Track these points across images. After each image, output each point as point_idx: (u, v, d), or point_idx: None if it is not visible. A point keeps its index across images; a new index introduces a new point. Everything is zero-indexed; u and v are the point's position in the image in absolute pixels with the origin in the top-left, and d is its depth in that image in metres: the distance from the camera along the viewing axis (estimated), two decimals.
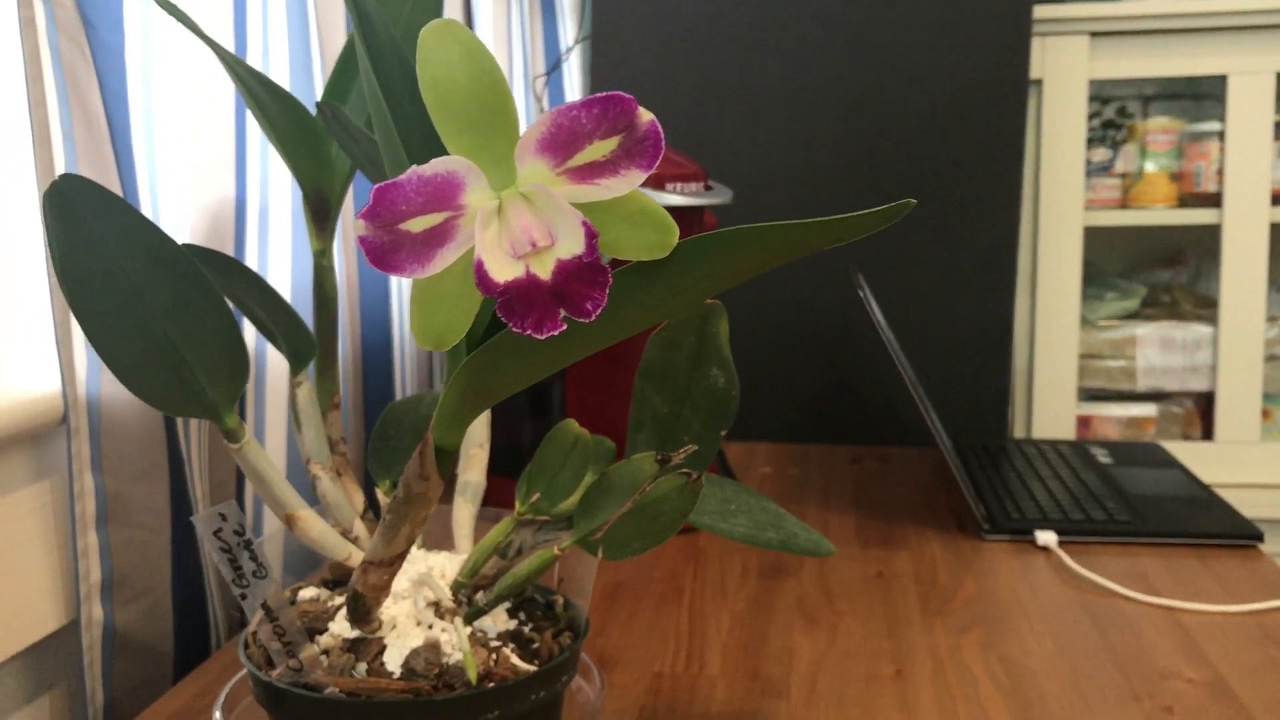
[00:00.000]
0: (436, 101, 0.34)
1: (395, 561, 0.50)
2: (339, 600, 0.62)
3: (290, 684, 0.55)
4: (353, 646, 0.57)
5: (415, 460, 0.46)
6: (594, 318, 0.34)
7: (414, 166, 0.33)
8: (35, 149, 0.79)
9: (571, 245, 0.34)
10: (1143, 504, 1.17)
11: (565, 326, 0.35)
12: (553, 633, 0.61)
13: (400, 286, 1.27)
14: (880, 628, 0.91)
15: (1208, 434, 1.67)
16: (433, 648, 0.56)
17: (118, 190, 0.83)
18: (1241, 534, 1.09)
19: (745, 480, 1.32)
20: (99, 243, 0.48)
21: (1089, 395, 1.71)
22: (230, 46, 0.97)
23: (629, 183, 0.35)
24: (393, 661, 0.56)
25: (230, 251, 0.96)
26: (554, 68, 1.87)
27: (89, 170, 0.82)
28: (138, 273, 0.49)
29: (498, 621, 0.61)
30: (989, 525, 1.12)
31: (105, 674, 0.85)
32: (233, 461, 1.02)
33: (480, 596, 0.60)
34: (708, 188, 1.12)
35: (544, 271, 0.34)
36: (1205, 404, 1.68)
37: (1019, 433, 1.68)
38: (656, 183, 1.08)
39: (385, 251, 0.33)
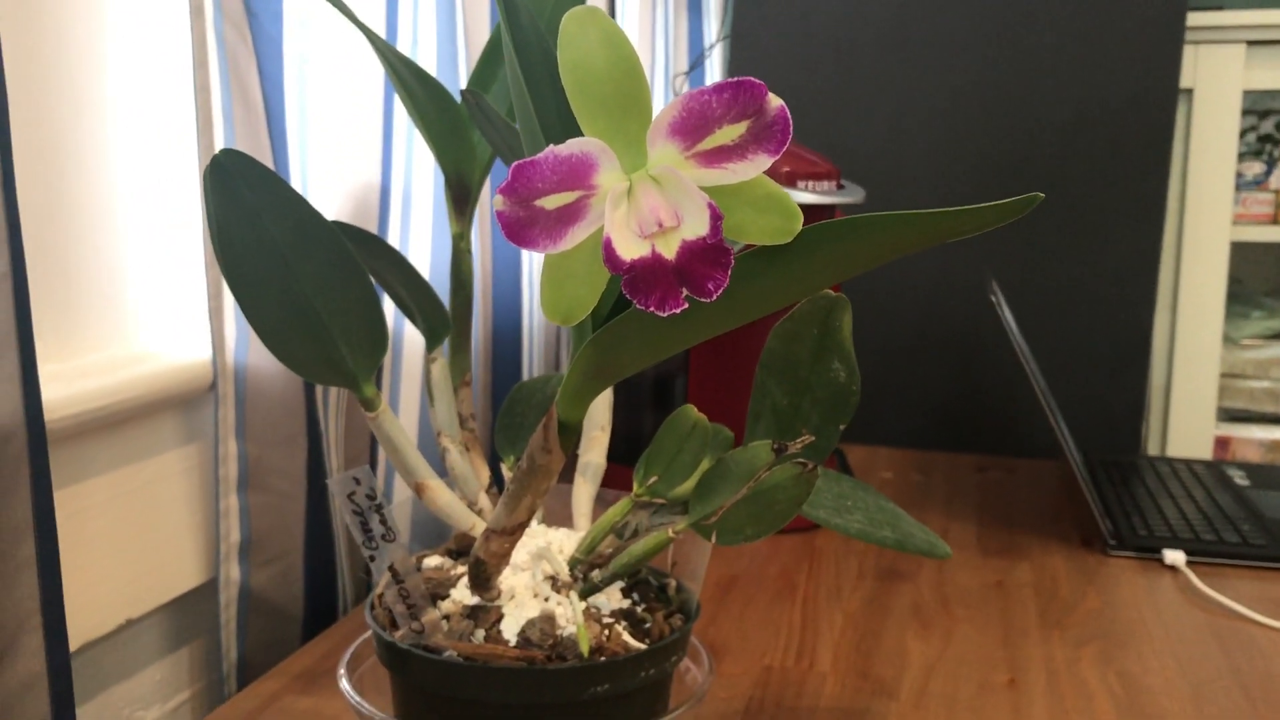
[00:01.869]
0: (575, 84, 0.36)
1: (516, 531, 0.52)
2: (461, 569, 0.64)
3: (411, 645, 0.57)
4: (472, 613, 0.59)
5: (540, 433, 0.47)
6: (715, 298, 0.35)
7: (550, 146, 0.35)
8: (199, 131, 0.83)
9: (697, 227, 0.35)
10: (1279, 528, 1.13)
11: (687, 305, 0.36)
12: (665, 614, 0.62)
13: (531, 273, 1.30)
14: (996, 636, 0.90)
15: None
16: (548, 619, 0.57)
17: None
18: None
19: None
20: (254, 214, 0.50)
21: (1229, 416, 1.65)
22: (381, 35, 1.01)
23: (756, 167, 0.36)
24: (509, 630, 0.58)
25: (374, 231, 1.00)
26: (695, 64, 1.88)
27: (246, 152, 0.86)
28: (288, 244, 0.52)
29: (611, 599, 0.63)
30: (1115, 541, 1.10)
31: (240, 632, 0.90)
32: (367, 433, 1.06)
33: (596, 574, 0.61)
34: (840, 186, 1.12)
35: (669, 251, 0.35)
36: None
37: (1153, 450, 1.63)
38: (789, 180, 1.08)
39: (521, 226, 0.35)
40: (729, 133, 0.35)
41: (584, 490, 0.66)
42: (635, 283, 0.35)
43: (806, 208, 1.08)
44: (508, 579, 0.60)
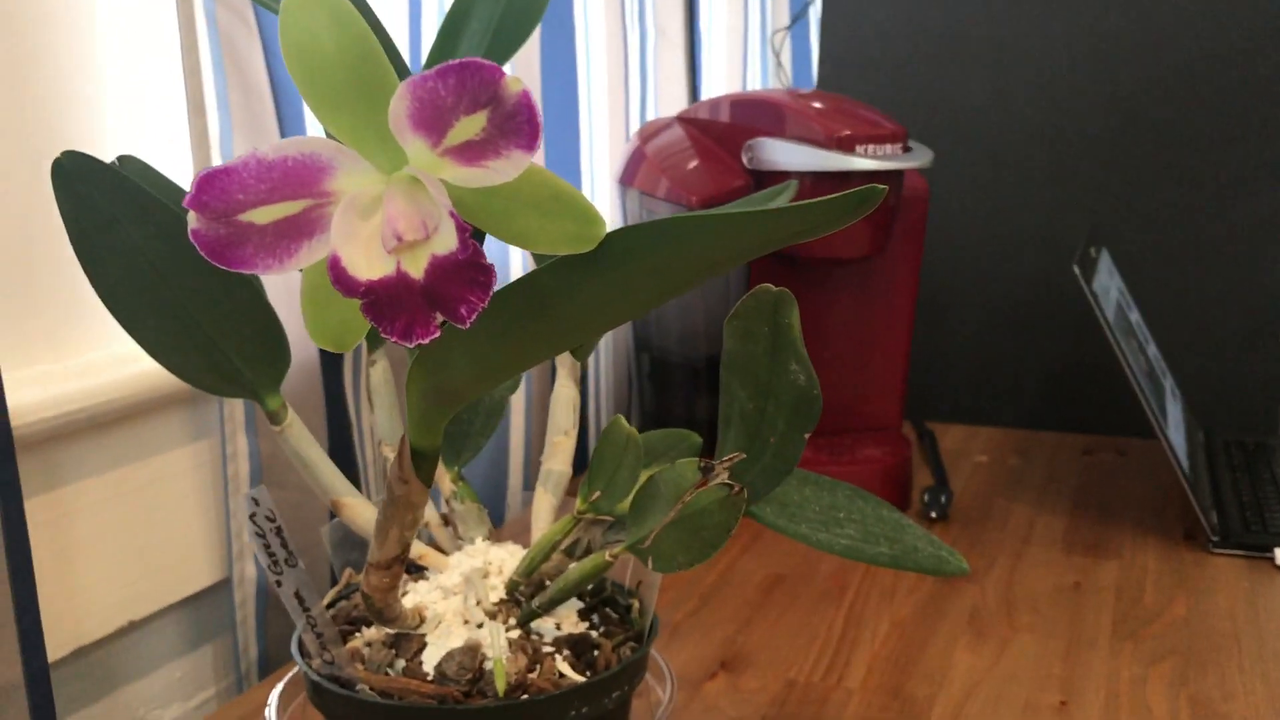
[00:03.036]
0: (303, 74, 0.30)
1: (393, 564, 0.47)
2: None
3: (324, 677, 0.53)
4: (394, 641, 0.54)
5: (395, 463, 0.42)
6: (470, 323, 0.29)
7: (253, 150, 0.29)
8: (190, 118, 0.80)
9: (447, 240, 0.29)
10: None
11: (439, 333, 0.30)
12: (619, 641, 0.57)
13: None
14: (1058, 648, 0.81)
15: None
16: (470, 651, 0.52)
17: None
18: None
19: (955, 470, 1.22)
20: (112, 223, 0.46)
21: None
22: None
23: (515, 165, 0.29)
24: (429, 661, 0.53)
25: None
26: (797, 18, 1.79)
27: (246, 139, 0.83)
28: (157, 252, 0.48)
29: (567, 623, 0.57)
30: (1218, 537, 0.98)
31: (259, 629, 0.88)
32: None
33: (537, 599, 0.56)
34: (906, 149, 1.03)
35: (416, 269, 0.29)
36: None
37: None
38: (847, 144, 1.00)
39: (224, 245, 0.29)
40: (469, 126, 0.29)
41: (545, 501, 0.61)
42: (376, 307, 0.29)
43: (867, 174, 0.99)
44: (438, 604, 0.55)
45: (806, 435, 0.54)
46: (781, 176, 1.03)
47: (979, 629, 0.85)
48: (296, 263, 0.30)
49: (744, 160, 1.05)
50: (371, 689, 0.52)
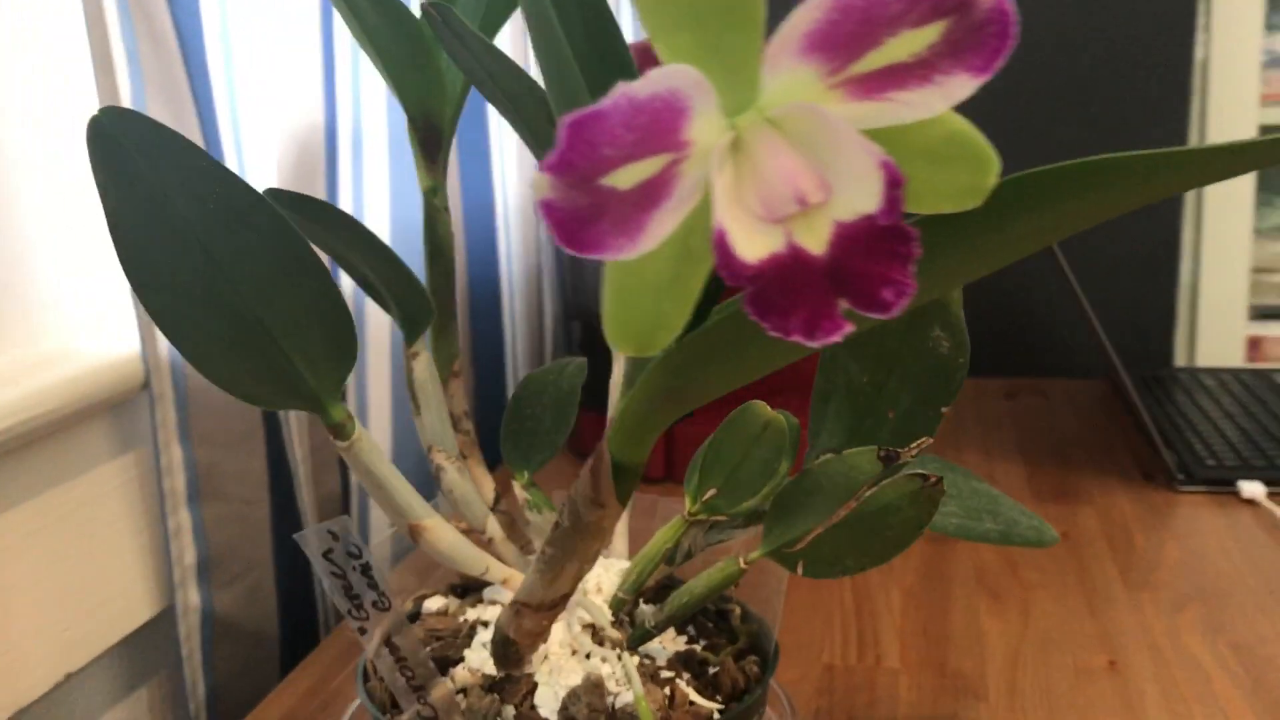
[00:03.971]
0: None
1: (557, 605, 0.39)
2: (472, 614, 0.51)
3: None
4: (495, 685, 0.46)
5: (586, 481, 0.34)
6: (896, 312, 0.22)
7: (622, 85, 0.20)
8: (97, 76, 0.68)
9: (857, 199, 0.22)
10: None
11: (850, 327, 0.22)
12: (733, 654, 0.50)
13: (507, 226, 1.15)
14: (1079, 606, 0.79)
15: None
16: (595, 687, 0.45)
17: (194, 120, 0.72)
18: None
19: None
20: (158, 196, 0.36)
21: (1259, 314, 1.54)
22: None
23: (949, 94, 0.22)
24: (546, 705, 0.45)
25: (322, 186, 0.85)
26: None
27: (160, 97, 0.71)
28: (210, 231, 0.38)
29: (666, 641, 0.50)
30: (1183, 475, 0.98)
31: (206, 663, 0.77)
32: None
33: (645, 615, 0.48)
34: None
35: (815, 242, 0.22)
36: None
37: (1180, 360, 1.52)
38: None
39: (583, 221, 0.21)
40: (910, 42, 0.21)
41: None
42: (766, 297, 0.22)
43: None
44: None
45: (945, 410, 0.48)
46: None
47: (992, 590, 0.82)
48: (645, 243, 0.22)
49: None
50: None
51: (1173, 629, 0.75)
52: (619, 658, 0.47)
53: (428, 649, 0.47)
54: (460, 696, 0.45)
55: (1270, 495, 0.94)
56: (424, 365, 0.51)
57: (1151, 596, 0.80)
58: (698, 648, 0.51)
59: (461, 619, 0.51)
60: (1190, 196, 1.49)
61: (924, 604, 0.80)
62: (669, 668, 0.48)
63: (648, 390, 0.30)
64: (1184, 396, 1.19)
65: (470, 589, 0.54)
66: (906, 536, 0.42)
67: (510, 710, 0.45)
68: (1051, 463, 1.06)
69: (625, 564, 0.51)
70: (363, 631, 0.44)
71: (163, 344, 0.72)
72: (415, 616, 0.53)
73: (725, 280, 0.22)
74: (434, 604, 0.53)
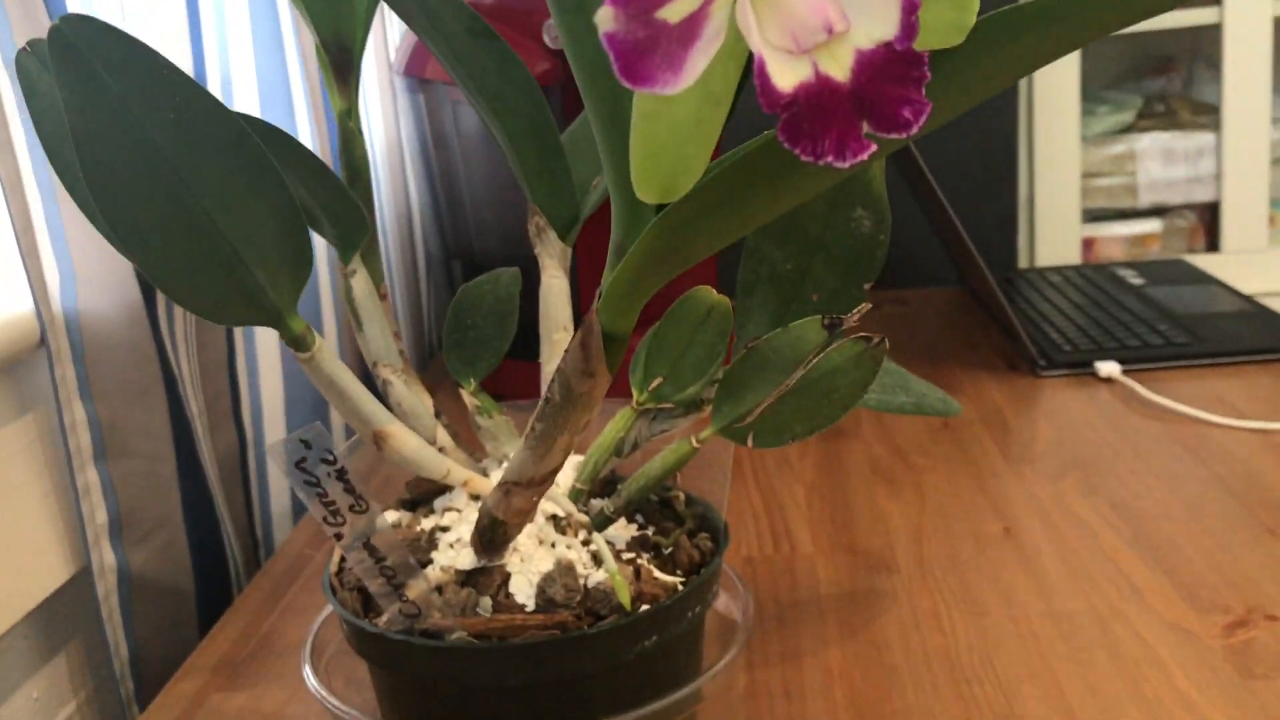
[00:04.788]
0: None
1: (546, 480, 0.40)
2: (427, 523, 0.52)
3: (404, 632, 0.45)
4: (469, 579, 0.47)
5: (576, 352, 0.36)
6: (915, 130, 0.24)
7: None
8: None
9: (876, 27, 0.24)
10: (1195, 323, 1.10)
11: (874, 147, 0.25)
12: (685, 534, 0.52)
13: (375, 168, 1.14)
14: (969, 483, 0.84)
15: (1213, 246, 1.62)
16: (568, 570, 0.47)
17: None
18: None
19: None
20: (121, 104, 0.36)
21: (1090, 216, 1.64)
22: None
23: None
24: (522, 592, 0.47)
25: None
26: None
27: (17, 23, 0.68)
28: (174, 142, 0.38)
29: (619, 530, 0.52)
30: (1044, 361, 1.05)
31: (126, 623, 0.75)
32: (225, 373, 0.91)
33: (604, 504, 0.51)
34: None
35: (839, 70, 0.24)
36: (1209, 215, 1.62)
37: (1023, 262, 1.61)
38: None
39: (640, 53, 0.23)
40: None
41: None
42: (799, 122, 0.24)
43: None
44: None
45: (868, 285, 0.52)
46: None
47: (886, 477, 0.86)
48: (685, 78, 0.24)
49: (546, 41, 0.99)
50: (471, 635, 0.45)
51: (1056, 495, 0.81)
52: (584, 543, 0.49)
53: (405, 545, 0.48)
54: (435, 594, 0.47)
55: (1125, 372, 1.02)
56: (363, 281, 0.51)
57: (1032, 469, 0.86)
58: (649, 532, 0.53)
59: (418, 528, 0.52)
60: (1022, 111, 1.57)
61: (826, 495, 0.84)
62: (628, 550, 0.51)
63: (641, 254, 0.32)
64: (1034, 293, 1.27)
65: (419, 502, 0.55)
66: (851, 397, 0.45)
67: (487, 600, 0.47)
68: (922, 362, 1.12)
69: (578, 459, 0.52)
70: (339, 538, 0.45)
71: (55, 299, 0.70)
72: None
73: (763, 108, 0.24)
74: (388, 518, 0.54)
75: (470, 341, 0.54)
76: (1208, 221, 1.62)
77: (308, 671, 0.50)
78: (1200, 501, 0.78)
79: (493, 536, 0.43)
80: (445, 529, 0.51)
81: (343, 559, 0.52)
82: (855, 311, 0.45)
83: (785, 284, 0.53)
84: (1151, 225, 1.63)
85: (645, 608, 0.46)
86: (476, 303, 0.54)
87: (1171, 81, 1.69)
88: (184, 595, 0.81)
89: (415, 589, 0.46)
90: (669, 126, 0.25)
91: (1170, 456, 0.86)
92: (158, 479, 0.78)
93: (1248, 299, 1.17)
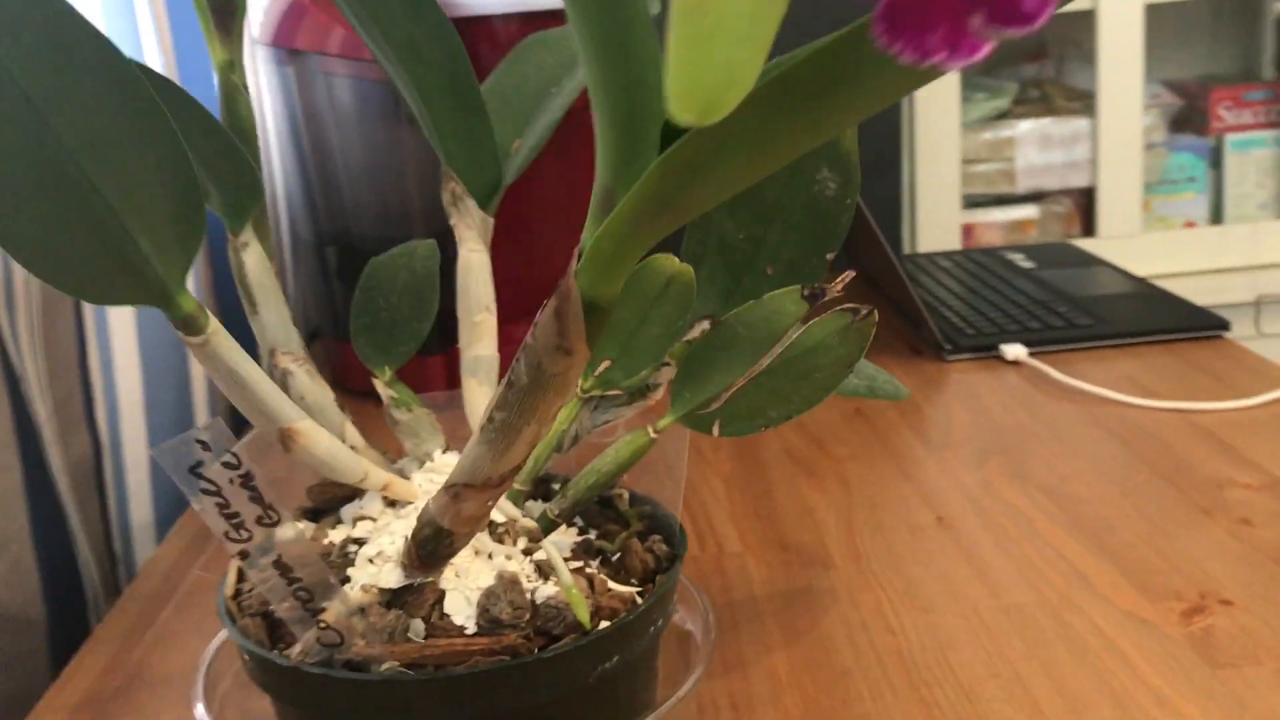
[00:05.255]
0: None
1: (505, 481, 0.34)
2: (336, 535, 0.45)
3: (323, 664, 0.39)
4: (395, 599, 0.41)
5: (549, 325, 0.29)
6: (1039, 22, 0.19)
7: None
8: None
9: None
10: (1093, 305, 1.09)
11: (990, 45, 0.19)
12: (630, 537, 0.47)
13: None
14: (891, 471, 0.80)
15: (1088, 230, 1.63)
16: (512, 584, 0.40)
17: None
18: (1208, 325, 1.03)
19: None
20: None
21: (968, 203, 1.64)
22: None
23: None
24: (460, 612, 0.40)
25: None
26: None
27: None
28: (30, 71, 0.30)
29: (561, 535, 0.46)
30: (950, 345, 1.02)
31: None
32: (74, 373, 0.81)
33: (543, 507, 0.44)
34: None
35: None
36: (1085, 200, 1.63)
37: (905, 249, 1.60)
38: None
39: None
40: None
41: (479, 395, 0.49)
42: (900, 15, 0.18)
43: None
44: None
45: (831, 255, 0.47)
46: (476, 21, 0.91)
47: (807, 468, 0.82)
48: None
49: None
50: (403, 665, 0.38)
51: (983, 481, 0.78)
52: (525, 552, 0.43)
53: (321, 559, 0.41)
54: (357, 618, 0.40)
55: (1031, 354, 1.00)
56: (257, 257, 0.44)
57: (954, 455, 0.82)
58: (591, 537, 0.47)
59: (325, 541, 0.45)
60: (905, 99, 1.56)
61: (746, 488, 0.79)
62: (574, 558, 0.45)
63: (641, 199, 0.26)
64: (927, 278, 1.24)
65: (323, 511, 0.48)
66: (834, 377, 0.40)
67: (419, 623, 0.40)
68: None
69: None
70: (244, 556, 0.37)
71: None
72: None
73: None
74: (285, 532, 0.47)
75: (383, 324, 0.47)
76: (1084, 207, 1.63)
77: (201, 711, 0.43)
78: (1130, 484, 0.76)
79: (434, 549, 0.37)
80: (359, 541, 0.44)
81: (240, 580, 0.44)
82: (839, 280, 0.40)
83: (737, 256, 0.47)
84: (1029, 211, 1.63)
85: (604, 624, 0.40)
86: (389, 280, 0.47)
87: (1045, 68, 1.70)
88: (32, 625, 0.71)
89: (333, 612, 0.39)
90: (717, 24, 0.20)
91: (1091, 439, 0.83)
92: (1, 492, 0.69)
93: (1140, 280, 1.17)
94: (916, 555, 0.68)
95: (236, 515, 0.36)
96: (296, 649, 0.40)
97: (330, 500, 0.48)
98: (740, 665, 0.58)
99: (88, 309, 0.81)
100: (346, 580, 0.42)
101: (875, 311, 0.40)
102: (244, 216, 0.43)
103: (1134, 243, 1.59)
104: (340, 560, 0.43)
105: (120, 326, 0.84)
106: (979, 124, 1.63)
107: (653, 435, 0.43)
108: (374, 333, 0.46)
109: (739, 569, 0.68)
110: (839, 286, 0.40)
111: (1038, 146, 1.61)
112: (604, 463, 0.44)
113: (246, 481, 0.36)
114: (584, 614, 0.39)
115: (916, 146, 1.57)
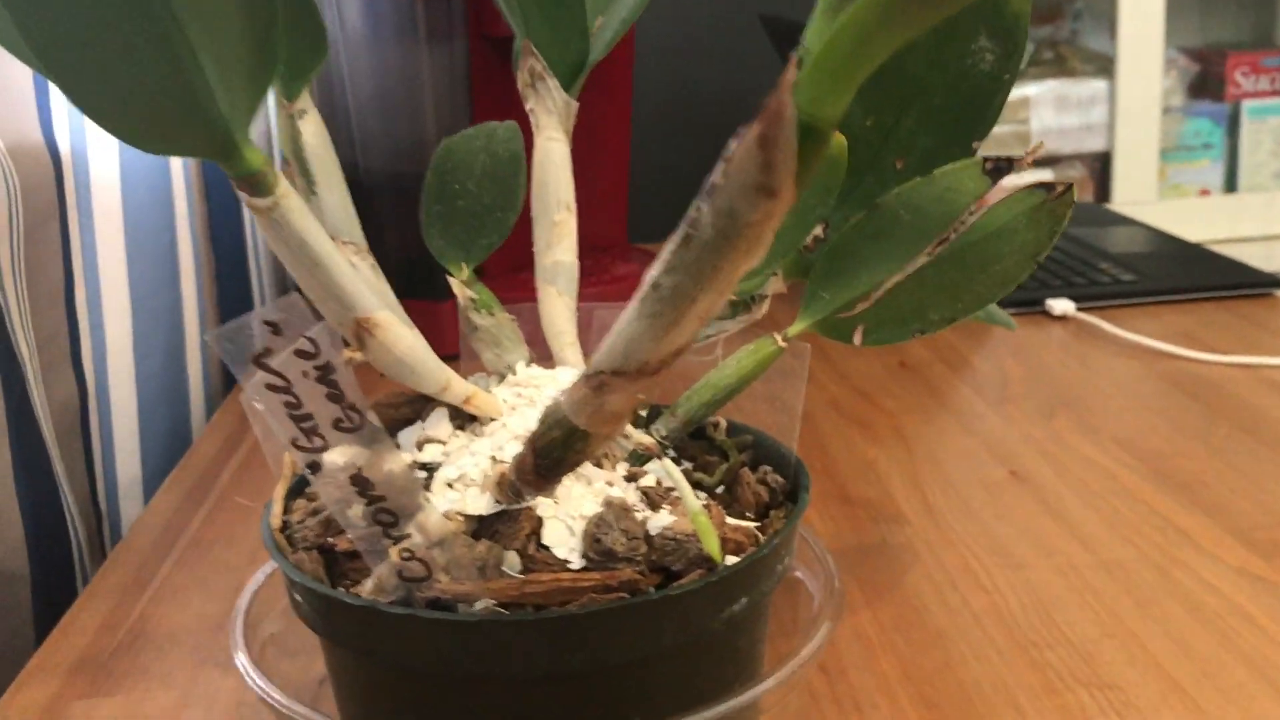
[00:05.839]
0: None
1: (663, 367, 0.27)
2: (396, 462, 0.39)
3: (403, 603, 0.32)
4: (483, 528, 0.34)
5: (750, 157, 0.22)
6: None
7: None
8: None
9: None
10: (1134, 262, 1.04)
11: None
12: (741, 465, 0.40)
13: None
14: (950, 425, 0.75)
15: (1102, 196, 1.58)
16: (623, 513, 0.34)
17: None
18: (1260, 282, 0.98)
19: None
20: None
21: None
22: None
23: None
24: (563, 544, 0.34)
25: None
26: None
27: None
28: None
29: (654, 465, 0.40)
30: None
31: None
32: (59, 309, 0.74)
33: (656, 427, 0.38)
34: None
35: None
36: (1099, 166, 1.58)
37: None
38: None
39: None
40: None
41: (560, 306, 0.42)
42: None
43: None
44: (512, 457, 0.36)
45: (978, 144, 0.40)
46: None
47: (859, 421, 0.76)
48: None
49: None
50: (500, 603, 0.32)
51: (1053, 435, 0.72)
52: (627, 478, 0.36)
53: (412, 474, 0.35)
54: (438, 550, 0.34)
55: (1079, 309, 0.94)
56: (315, 126, 0.37)
57: (1016, 409, 0.77)
58: (688, 468, 0.41)
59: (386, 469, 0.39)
60: None
61: (800, 440, 0.73)
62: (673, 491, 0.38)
63: None
64: None
65: (396, 428, 0.42)
66: (1017, 269, 0.34)
67: (513, 556, 0.34)
68: None
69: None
70: (314, 468, 0.31)
71: None
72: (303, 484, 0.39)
73: None
74: (339, 455, 0.40)
75: (460, 213, 0.40)
76: (1097, 173, 1.59)
77: (243, 661, 0.36)
78: (1213, 438, 0.70)
79: (562, 457, 0.30)
80: (428, 467, 0.38)
81: (286, 511, 0.38)
82: (1028, 151, 0.34)
83: (859, 148, 0.41)
84: (1043, 176, 1.58)
85: (732, 559, 0.34)
86: (466, 163, 0.40)
87: (1059, 28, 1.65)
88: (15, 579, 0.64)
89: (411, 539, 0.33)
90: None
91: (1158, 393, 0.78)
92: None
93: (1178, 239, 1.12)
94: (995, 510, 0.63)
95: (309, 418, 0.30)
96: (368, 585, 0.33)
97: (393, 422, 0.41)
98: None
99: (75, 238, 0.73)
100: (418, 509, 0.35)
101: (1073, 188, 0.34)
102: (305, 77, 0.37)
103: (1149, 209, 1.54)
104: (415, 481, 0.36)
105: (111, 260, 0.77)
106: None
107: (781, 344, 0.37)
108: (450, 223, 0.40)
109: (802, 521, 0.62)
110: (1031, 159, 0.34)
111: (1054, 108, 1.56)
112: (723, 375, 0.37)
113: (325, 375, 0.29)
114: (714, 545, 0.33)
115: None
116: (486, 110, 0.86)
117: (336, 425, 0.30)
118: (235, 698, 0.49)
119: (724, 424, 0.43)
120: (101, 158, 0.75)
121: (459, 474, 0.36)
